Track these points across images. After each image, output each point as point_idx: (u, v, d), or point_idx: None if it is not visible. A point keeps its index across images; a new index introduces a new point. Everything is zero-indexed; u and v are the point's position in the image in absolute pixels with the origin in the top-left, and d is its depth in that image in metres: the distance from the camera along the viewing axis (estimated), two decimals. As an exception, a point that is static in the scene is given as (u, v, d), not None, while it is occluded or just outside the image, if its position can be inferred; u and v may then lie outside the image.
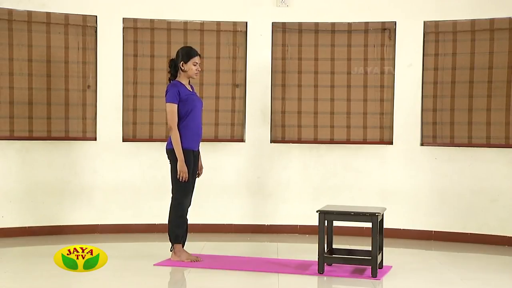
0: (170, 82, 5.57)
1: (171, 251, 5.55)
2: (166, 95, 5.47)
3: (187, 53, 5.53)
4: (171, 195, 5.51)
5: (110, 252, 4.72)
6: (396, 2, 6.96)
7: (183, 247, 5.56)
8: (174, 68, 5.55)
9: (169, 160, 5.50)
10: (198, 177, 5.70)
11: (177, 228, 5.46)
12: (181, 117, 5.45)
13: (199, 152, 5.64)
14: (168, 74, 5.61)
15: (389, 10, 6.96)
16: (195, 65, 5.53)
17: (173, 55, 5.63)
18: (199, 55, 5.60)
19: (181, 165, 5.38)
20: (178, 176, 5.39)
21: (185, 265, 5.42)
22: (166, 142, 5.54)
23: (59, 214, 6.81)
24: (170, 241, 5.51)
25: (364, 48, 7.01)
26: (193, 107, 5.49)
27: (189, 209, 5.57)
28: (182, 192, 5.45)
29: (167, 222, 5.53)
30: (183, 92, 5.46)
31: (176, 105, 5.42)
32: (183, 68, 5.51)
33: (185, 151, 5.41)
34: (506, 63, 6.58)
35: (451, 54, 6.77)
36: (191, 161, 5.47)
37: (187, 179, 5.40)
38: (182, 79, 5.55)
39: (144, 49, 7.00)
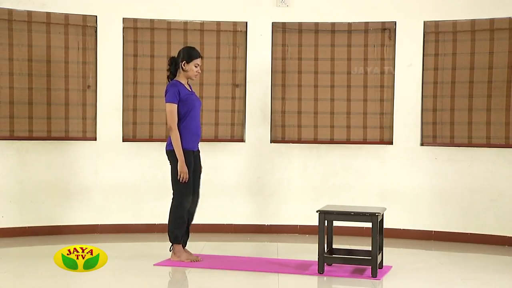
0: (169, 81, 5.56)
1: (170, 251, 5.54)
2: (165, 94, 5.46)
3: (190, 54, 5.52)
4: (172, 196, 5.51)
5: (110, 252, 4.72)
6: (396, 2, 6.95)
7: (184, 247, 5.55)
8: (174, 66, 5.55)
9: (169, 161, 5.49)
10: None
11: (176, 229, 5.46)
12: (181, 117, 5.44)
13: (199, 151, 5.64)
14: (168, 72, 5.60)
15: (389, 10, 6.96)
16: (196, 67, 5.52)
17: (173, 55, 5.63)
18: (201, 57, 5.59)
19: (182, 166, 5.37)
20: (178, 177, 5.38)
21: (185, 265, 5.42)
22: (165, 143, 5.54)
23: (59, 214, 6.81)
24: (170, 241, 5.51)
25: (364, 48, 7.01)
26: (193, 107, 5.48)
27: (196, 210, 5.60)
28: (182, 192, 5.45)
29: (167, 222, 5.53)
30: (183, 92, 5.45)
31: (176, 105, 5.41)
32: (184, 67, 5.50)
33: (185, 151, 5.41)
34: (506, 63, 6.57)
35: (451, 54, 6.77)
36: (191, 161, 5.47)
37: (187, 179, 5.39)
38: (181, 78, 5.54)
39: (144, 49, 7.00)
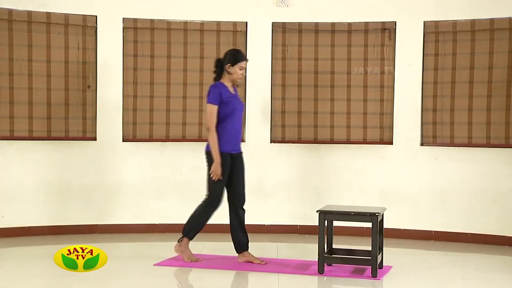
0: (214, 82, 5.55)
1: (178, 241, 5.53)
2: (208, 95, 5.45)
3: (235, 56, 5.50)
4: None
5: (110, 252, 4.72)
6: (396, 2, 6.95)
7: (246, 250, 5.54)
8: (220, 68, 5.53)
9: (206, 162, 5.48)
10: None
11: (193, 223, 5.48)
12: (221, 120, 5.42)
13: (241, 153, 5.59)
14: (214, 73, 5.59)
15: (389, 10, 6.96)
16: (240, 69, 5.50)
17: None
18: (247, 60, 5.57)
19: (216, 167, 5.35)
20: (210, 174, 5.39)
21: (185, 265, 5.42)
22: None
23: (59, 214, 6.81)
24: (183, 232, 5.51)
25: (364, 48, 7.01)
26: (234, 110, 5.46)
27: (244, 213, 5.56)
28: (214, 193, 5.45)
29: (190, 215, 5.52)
30: (225, 94, 5.43)
31: (216, 107, 5.40)
32: (228, 70, 5.48)
33: (222, 154, 5.40)
34: (506, 63, 6.57)
35: (451, 54, 6.77)
36: (227, 164, 5.43)
37: (216, 179, 5.38)
38: (226, 81, 5.51)
39: (144, 49, 6.99)
